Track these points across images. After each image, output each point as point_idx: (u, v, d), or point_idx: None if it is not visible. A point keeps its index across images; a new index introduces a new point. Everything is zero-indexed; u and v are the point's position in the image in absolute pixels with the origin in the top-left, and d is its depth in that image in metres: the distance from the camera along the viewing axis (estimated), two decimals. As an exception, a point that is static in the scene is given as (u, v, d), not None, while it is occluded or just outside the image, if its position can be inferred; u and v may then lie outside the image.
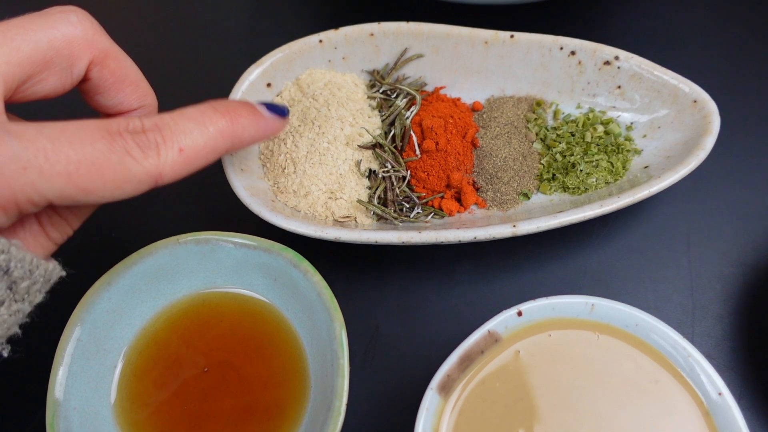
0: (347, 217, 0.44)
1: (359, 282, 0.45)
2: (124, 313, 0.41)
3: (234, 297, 0.43)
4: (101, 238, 0.48)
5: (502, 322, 0.37)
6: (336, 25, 0.48)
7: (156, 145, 0.28)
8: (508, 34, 0.46)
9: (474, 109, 0.48)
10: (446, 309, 0.44)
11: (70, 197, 0.26)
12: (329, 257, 0.45)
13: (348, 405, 0.39)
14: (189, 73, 0.55)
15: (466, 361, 0.37)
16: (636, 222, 0.45)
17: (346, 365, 0.37)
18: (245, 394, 0.40)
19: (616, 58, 0.45)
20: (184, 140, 0.29)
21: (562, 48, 0.45)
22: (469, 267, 0.45)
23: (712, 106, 0.42)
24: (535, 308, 0.37)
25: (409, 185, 0.45)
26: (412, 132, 0.45)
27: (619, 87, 0.45)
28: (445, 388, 0.36)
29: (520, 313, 0.37)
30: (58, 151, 0.26)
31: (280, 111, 0.35)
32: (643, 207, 0.45)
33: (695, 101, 0.42)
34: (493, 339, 0.37)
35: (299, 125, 0.45)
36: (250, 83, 0.46)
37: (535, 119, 0.46)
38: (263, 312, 0.42)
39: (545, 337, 0.38)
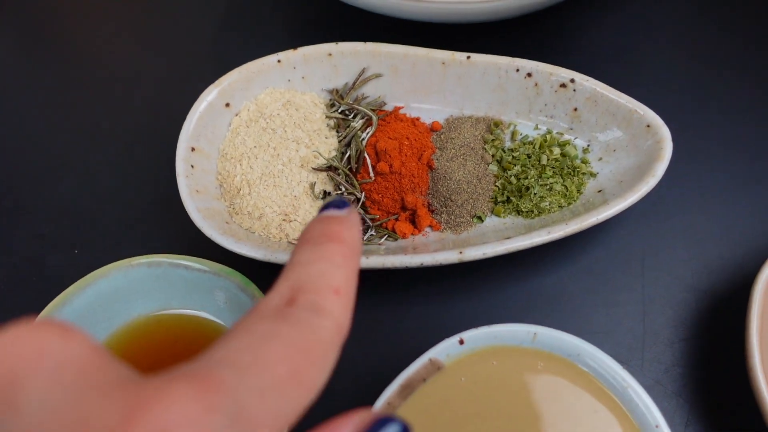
0: (301, 239, 0.44)
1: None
2: (78, 334, 0.42)
3: (188, 319, 0.43)
4: (65, 254, 0.49)
5: (443, 350, 0.37)
6: (302, 44, 0.48)
7: (315, 302, 0.23)
8: (464, 55, 0.46)
9: (433, 129, 0.48)
10: (399, 331, 0.44)
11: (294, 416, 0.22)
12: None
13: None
14: (149, 94, 0.56)
15: (408, 389, 0.37)
16: (592, 244, 0.45)
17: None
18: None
19: (572, 80, 0.44)
20: (329, 282, 0.24)
21: (518, 70, 0.45)
22: (424, 289, 0.45)
23: (664, 132, 0.42)
24: (477, 336, 0.38)
25: (363, 207, 0.45)
26: (366, 154, 0.45)
27: (575, 109, 0.45)
28: (386, 416, 0.36)
29: (461, 342, 0.37)
30: (266, 399, 0.20)
31: (341, 204, 0.29)
32: (599, 229, 0.45)
33: (648, 126, 0.42)
34: (435, 367, 0.38)
35: (254, 147, 0.45)
36: (209, 104, 0.46)
37: (493, 140, 0.46)
38: (216, 334, 0.43)
39: (488, 365, 0.38)
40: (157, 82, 0.56)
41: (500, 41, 0.53)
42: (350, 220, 0.28)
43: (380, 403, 0.36)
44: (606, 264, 0.45)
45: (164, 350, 0.43)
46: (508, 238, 0.40)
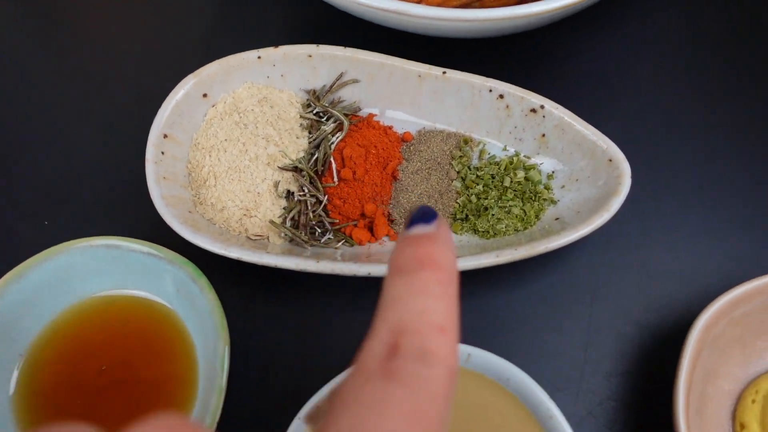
0: (260, 235, 0.45)
1: (265, 299, 0.46)
2: (33, 305, 0.43)
3: (141, 301, 0.44)
4: (34, 226, 0.50)
5: (378, 361, 0.38)
6: (291, 42, 0.48)
7: (420, 348, 0.21)
8: (440, 70, 0.46)
9: (404, 139, 0.48)
10: (347, 334, 0.45)
11: None
12: (238, 272, 0.46)
13: (228, 422, 0.40)
14: (133, 77, 0.56)
15: (339, 395, 0.38)
16: (545, 270, 0.46)
17: (224, 385, 0.38)
18: (137, 397, 0.42)
19: (542, 107, 0.45)
20: (431, 319, 0.22)
21: (490, 90, 0.46)
22: (375, 296, 0.45)
23: (624, 167, 0.42)
24: (413, 351, 0.38)
25: (325, 210, 0.46)
26: (332, 159, 0.46)
27: (543, 135, 0.45)
28: (314, 419, 0.37)
29: (396, 355, 0.38)
30: None
31: (428, 216, 0.26)
32: (554, 256, 0.46)
33: (610, 160, 0.43)
34: (368, 376, 0.38)
35: (225, 140, 0.46)
36: (186, 92, 0.47)
37: (460, 157, 0.47)
38: (167, 319, 0.44)
39: (421, 379, 0.39)
40: (142, 66, 0.57)
41: (483, 57, 0.53)
42: (441, 236, 0.25)
43: (309, 406, 0.37)
44: (557, 291, 0.45)
45: (116, 329, 0.44)
46: (458, 256, 0.41)
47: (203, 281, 0.41)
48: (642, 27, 0.54)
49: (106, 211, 0.50)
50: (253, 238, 0.45)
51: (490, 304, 0.45)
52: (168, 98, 0.47)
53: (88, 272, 0.44)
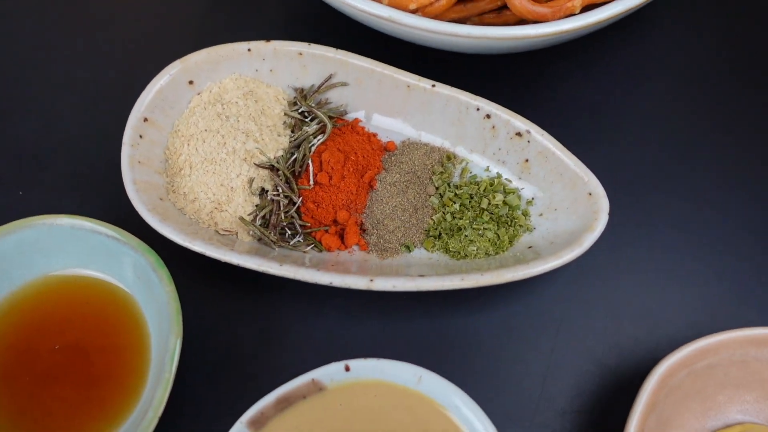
0: (229, 231, 0.44)
1: (228, 296, 0.45)
2: (-8, 276, 0.42)
3: (102, 284, 0.44)
4: (9, 194, 0.49)
5: (328, 373, 0.38)
6: (285, 37, 0.48)
7: None
8: (430, 82, 0.45)
9: (387, 148, 0.47)
10: (307, 341, 0.44)
11: None
12: (205, 266, 0.45)
13: (174, 413, 0.40)
14: (125, 56, 0.56)
15: (284, 403, 0.37)
16: (515, 297, 0.45)
17: (170, 379, 0.38)
18: (85, 381, 0.42)
19: (528, 132, 0.44)
20: None
21: (478, 109, 0.45)
22: (340, 304, 0.45)
23: (603, 204, 0.41)
24: (364, 367, 0.38)
25: (298, 212, 0.45)
26: (310, 161, 0.45)
27: (526, 160, 0.44)
28: (256, 424, 0.37)
29: (347, 368, 0.38)
30: None
31: None
32: (523, 284, 0.45)
33: (590, 194, 0.42)
34: (317, 387, 0.38)
35: (205, 130, 0.46)
36: (171, 77, 0.47)
37: (441, 173, 0.46)
38: (126, 305, 0.43)
39: (369, 397, 0.38)
40: (132, 47, 0.56)
41: (478, 72, 0.52)
42: None
43: (253, 411, 0.37)
44: (523, 320, 0.44)
45: (74, 310, 0.44)
46: (422, 276, 0.40)
47: (163, 272, 0.40)
48: (641, 60, 0.53)
49: (81, 189, 0.49)
50: (222, 233, 0.44)
51: (452, 326, 0.44)
52: (152, 82, 0.46)
53: (52, 249, 0.43)
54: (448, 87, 0.45)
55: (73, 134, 0.52)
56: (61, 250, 0.43)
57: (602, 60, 0.53)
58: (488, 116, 0.45)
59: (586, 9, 0.43)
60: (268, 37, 0.48)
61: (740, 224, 0.46)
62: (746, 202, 0.47)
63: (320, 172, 0.45)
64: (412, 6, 0.43)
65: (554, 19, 0.42)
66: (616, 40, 0.53)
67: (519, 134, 0.44)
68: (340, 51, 0.47)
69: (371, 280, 0.40)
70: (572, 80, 0.52)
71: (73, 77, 0.54)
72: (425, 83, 0.45)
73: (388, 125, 0.48)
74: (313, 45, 0.47)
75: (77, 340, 0.43)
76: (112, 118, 0.50)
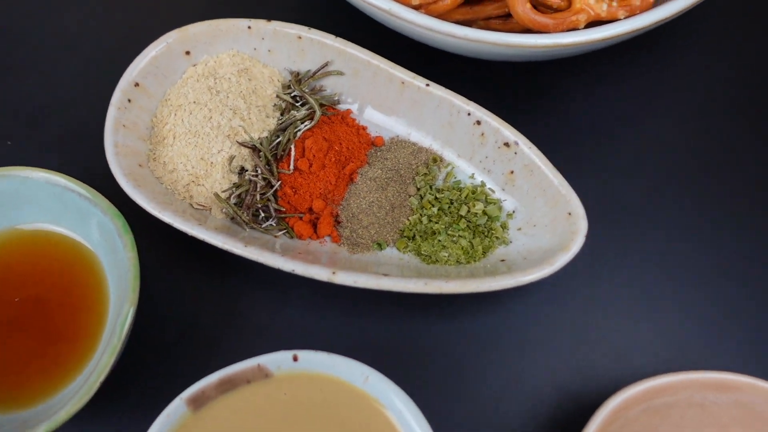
0: (203, 206, 0.44)
1: (194, 273, 0.45)
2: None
3: (70, 242, 0.44)
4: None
5: (275, 361, 0.37)
6: (294, 19, 0.47)
7: None
8: (424, 81, 0.45)
9: (374, 143, 0.47)
10: (266, 328, 0.44)
11: None
12: (178, 238, 0.44)
13: (121, 381, 0.40)
14: (127, 17, 0.56)
15: (227, 385, 0.37)
16: (484, 310, 0.44)
17: (118, 346, 0.37)
18: (40, 337, 0.42)
19: (516, 143, 0.43)
20: None
21: (469, 114, 0.44)
22: (305, 295, 0.44)
23: (581, 225, 0.40)
24: (313, 359, 0.37)
25: (275, 195, 0.44)
26: (293, 146, 0.44)
27: (512, 172, 0.43)
28: (196, 402, 0.36)
29: (295, 358, 0.37)
30: None
31: None
32: (494, 297, 0.44)
33: (570, 213, 0.41)
34: (263, 373, 0.37)
35: (193, 102, 0.45)
36: (167, 45, 0.46)
37: (425, 174, 0.45)
38: (91, 265, 0.43)
39: (315, 390, 0.37)
40: (139, 14, 0.56)
41: (477, 76, 0.51)
42: None
43: (194, 389, 0.36)
44: (489, 335, 0.43)
45: (39, 264, 0.44)
46: (386, 275, 0.39)
47: (128, 238, 0.40)
48: (647, 85, 0.51)
49: (68, 148, 0.49)
50: (196, 207, 0.44)
51: (415, 331, 0.43)
52: (148, 48, 0.46)
53: (24, 202, 0.43)
54: (442, 88, 0.44)
55: (69, 95, 0.52)
56: (34, 204, 0.43)
57: (607, 81, 0.51)
58: (478, 122, 0.44)
59: (592, 25, 0.42)
60: (273, 18, 0.47)
61: (721, 267, 0.45)
62: (729, 245, 0.46)
63: (302, 158, 0.44)
64: (415, 2, 0.43)
65: (556, 31, 0.41)
66: (625, 62, 0.52)
67: (507, 144, 0.43)
68: (338, 39, 0.46)
69: (333, 273, 0.39)
70: (573, 98, 0.51)
71: (74, 41, 0.54)
72: (420, 81, 0.45)
73: (380, 120, 0.47)
74: (312, 30, 0.46)
75: (39, 294, 0.43)
76: (107, 83, 0.49)
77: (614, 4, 0.41)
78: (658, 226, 0.46)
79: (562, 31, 0.41)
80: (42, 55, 0.54)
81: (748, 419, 0.38)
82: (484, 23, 0.46)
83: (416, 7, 0.43)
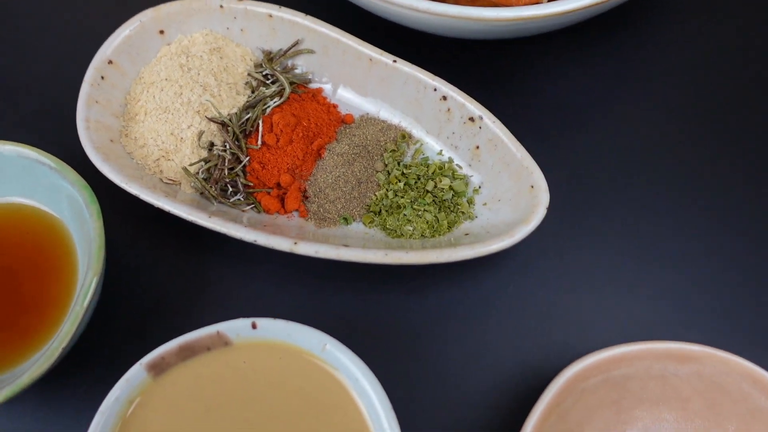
0: (173, 180, 0.44)
1: (163, 247, 0.45)
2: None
3: (41, 214, 0.45)
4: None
5: (234, 328, 0.37)
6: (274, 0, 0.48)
7: None
8: (391, 58, 0.45)
9: (345, 120, 0.47)
10: (231, 300, 0.44)
11: None
12: (150, 213, 0.45)
13: (83, 351, 0.40)
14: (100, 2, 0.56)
15: (187, 351, 0.37)
16: (450, 285, 0.44)
17: (81, 313, 0.38)
18: (13, 305, 0.42)
19: (480, 117, 0.43)
20: None
21: (435, 90, 0.44)
22: (272, 269, 0.45)
23: (542, 197, 0.40)
24: (272, 327, 0.37)
25: (244, 170, 0.45)
26: (260, 122, 0.45)
27: (477, 147, 0.44)
28: (156, 368, 0.37)
29: (254, 326, 0.37)
30: None
31: None
32: (463, 273, 0.44)
33: (532, 187, 0.41)
34: (222, 341, 0.38)
35: (165, 79, 0.46)
36: (141, 23, 0.47)
37: (392, 151, 0.45)
38: (62, 237, 0.44)
39: (273, 358, 0.38)
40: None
41: (451, 56, 0.51)
42: None
43: (154, 355, 0.36)
44: (454, 309, 0.43)
45: (10, 235, 0.44)
46: (345, 246, 0.40)
47: (95, 208, 0.41)
48: (618, 61, 0.51)
49: (42, 123, 0.50)
50: (166, 181, 0.44)
51: (381, 304, 0.43)
52: (122, 27, 0.47)
53: (-2, 174, 0.44)
54: (409, 64, 0.45)
55: (43, 71, 0.53)
56: (5, 177, 0.44)
57: (578, 61, 0.51)
58: (444, 98, 0.44)
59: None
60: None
61: (682, 241, 0.45)
62: (691, 220, 0.45)
63: (269, 133, 0.45)
64: (382, -22, 0.43)
65: (519, 5, 0.41)
66: (595, 42, 0.52)
67: (472, 119, 0.43)
68: (309, 17, 0.47)
69: (295, 243, 0.39)
70: (544, 78, 0.51)
71: (49, 19, 0.55)
72: (387, 58, 0.45)
73: (352, 100, 0.48)
74: (283, 8, 0.47)
75: (10, 266, 0.43)
76: (82, 60, 0.50)
77: (578, -23, 0.41)
78: (622, 203, 0.46)
79: (526, 4, 0.41)
80: (17, 32, 0.54)
81: (710, 392, 0.38)
82: (454, 1, 0.47)
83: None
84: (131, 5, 0.50)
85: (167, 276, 0.45)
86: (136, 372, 0.36)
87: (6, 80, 0.52)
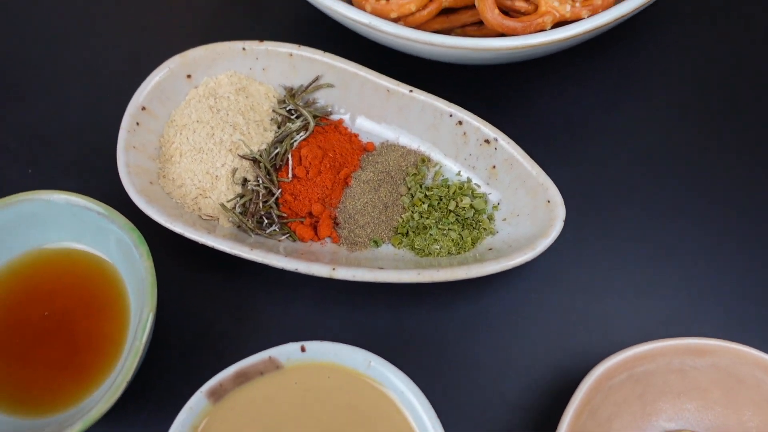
0: (211, 216, 0.47)
1: (207, 280, 0.48)
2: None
3: (92, 257, 0.47)
4: (20, 171, 0.53)
5: (284, 352, 0.40)
6: (292, 39, 0.51)
7: None
8: (408, 88, 0.48)
9: (366, 149, 0.50)
10: (276, 325, 0.47)
11: None
12: (189, 249, 0.48)
13: (145, 383, 0.43)
14: (134, 48, 0.59)
15: (242, 377, 0.40)
16: (476, 298, 0.47)
17: (141, 348, 0.41)
18: (71, 346, 0.45)
19: (495, 139, 0.46)
20: None
21: (451, 115, 0.47)
22: (310, 294, 0.48)
23: (559, 211, 0.43)
24: (319, 349, 0.40)
25: (276, 202, 0.48)
26: (290, 156, 0.48)
27: (494, 167, 0.47)
28: (215, 395, 0.40)
29: (303, 349, 0.40)
30: None
31: None
32: (487, 286, 0.47)
33: (549, 201, 0.44)
34: (274, 365, 0.41)
35: (197, 121, 0.49)
36: (170, 70, 0.50)
37: (414, 175, 0.48)
38: (111, 278, 0.47)
39: (323, 377, 0.41)
40: (139, 39, 0.60)
41: (458, 81, 0.55)
42: None
43: (212, 382, 0.39)
44: (482, 320, 0.46)
45: (64, 280, 0.47)
46: (381, 268, 0.43)
47: (143, 248, 0.44)
48: (618, 78, 0.55)
49: (83, 170, 0.53)
50: (205, 218, 0.47)
51: (413, 320, 0.46)
52: (152, 74, 0.50)
53: (48, 223, 0.47)
54: (425, 93, 0.48)
55: (81, 120, 0.56)
56: (57, 224, 0.47)
57: (579, 78, 0.55)
58: (460, 123, 0.47)
59: (558, 26, 0.45)
60: (266, 39, 0.51)
61: (695, 243, 0.48)
62: (703, 222, 0.49)
63: (299, 166, 0.48)
64: (393, 15, 0.46)
65: (524, 34, 0.44)
66: (596, 58, 0.55)
67: (487, 141, 0.46)
68: (327, 54, 0.50)
69: (333, 269, 0.42)
70: (548, 96, 0.54)
71: (82, 67, 0.58)
72: (404, 88, 0.48)
73: (371, 127, 0.51)
74: (302, 47, 0.50)
75: (65, 308, 0.46)
76: (116, 107, 0.53)
77: (577, 4, 0.44)
78: (633, 208, 0.49)
79: (531, 33, 0.44)
80: (53, 86, 0.58)
81: (726, 381, 0.41)
82: (461, 31, 0.50)
83: (395, 20, 0.47)
84: (157, 52, 0.53)
85: (211, 306, 0.48)
86: (198, 400, 0.39)
87: (46, 131, 0.55)
